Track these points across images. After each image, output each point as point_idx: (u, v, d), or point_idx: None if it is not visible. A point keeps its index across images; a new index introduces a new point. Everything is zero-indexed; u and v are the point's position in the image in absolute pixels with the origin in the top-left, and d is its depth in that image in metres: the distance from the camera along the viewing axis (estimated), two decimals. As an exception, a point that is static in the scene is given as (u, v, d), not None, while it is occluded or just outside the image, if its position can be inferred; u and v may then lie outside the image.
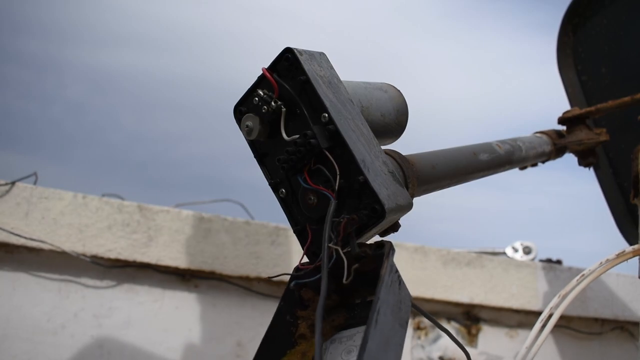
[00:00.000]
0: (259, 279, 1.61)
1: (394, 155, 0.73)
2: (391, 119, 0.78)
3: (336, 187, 0.62)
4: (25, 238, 1.54)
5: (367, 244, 0.61)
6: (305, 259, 0.66)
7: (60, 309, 1.57)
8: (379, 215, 0.60)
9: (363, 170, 0.61)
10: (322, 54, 0.74)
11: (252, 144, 0.72)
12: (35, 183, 1.63)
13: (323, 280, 0.52)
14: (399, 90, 0.85)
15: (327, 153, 0.63)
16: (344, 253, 0.57)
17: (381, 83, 0.87)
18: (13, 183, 1.57)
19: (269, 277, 0.88)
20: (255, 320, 1.63)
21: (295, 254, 1.60)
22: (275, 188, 0.69)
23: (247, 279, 1.62)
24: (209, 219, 1.61)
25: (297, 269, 0.64)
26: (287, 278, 0.65)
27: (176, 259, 1.58)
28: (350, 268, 0.57)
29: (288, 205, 0.68)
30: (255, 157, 0.73)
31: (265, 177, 0.72)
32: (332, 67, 0.74)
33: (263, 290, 1.65)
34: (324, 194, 0.62)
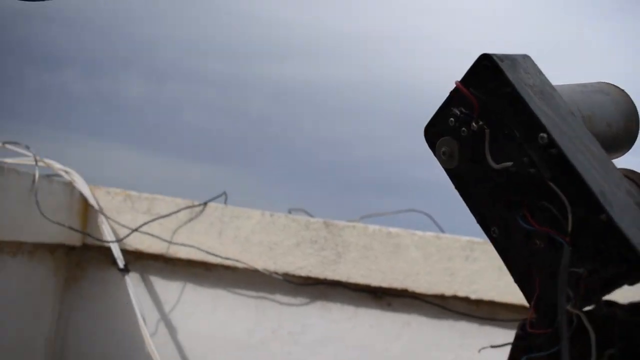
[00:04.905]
0: (455, 297, 1.50)
1: (635, 178, 0.59)
2: (619, 128, 0.64)
3: (569, 229, 0.50)
4: (221, 257, 1.58)
5: (616, 302, 0.48)
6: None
7: (259, 326, 1.60)
8: (635, 267, 0.47)
9: (604, 207, 0.49)
10: (526, 57, 0.62)
11: (451, 173, 0.62)
12: (225, 202, 1.68)
13: (564, 356, 0.42)
14: (622, 90, 0.71)
15: (552, 185, 0.51)
16: (586, 313, 0.46)
17: (598, 83, 0.73)
18: (205, 204, 1.63)
19: (492, 346, 0.71)
20: (454, 341, 1.53)
21: (493, 270, 1.47)
22: (485, 227, 0.59)
23: (442, 297, 1.52)
24: (397, 233, 1.54)
25: (522, 326, 0.53)
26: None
27: (366, 276, 1.53)
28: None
29: (503, 248, 0.57)
30: (456, 188, 0.63)
31: (472, 213, 0.61)
32: (540, 72, 0.62)
33: (461, 309, 1.54)
34: (552, 238, 0.51)
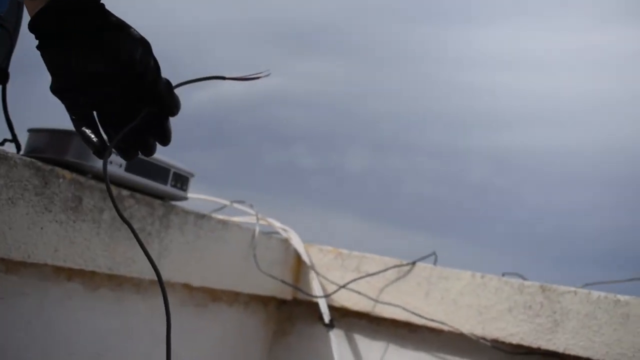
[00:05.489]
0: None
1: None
2: None
3: None
4: (426, 319, 1.51)
5: None
6: None
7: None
8: None
9: None
10: None
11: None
12: (435, 263, 1.62)
13: None
14: None
15: None
16: None
17: None
18: (414, 263, 1.59)
19: None
20: None
21: None
22: None
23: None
24: (627, 302, 1.34)
25: None
26: None
27: (588, 348, 1.34)
28: None
29: None
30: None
31: None
32: None
33: None
34: None
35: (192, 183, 1.35)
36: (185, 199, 1.32)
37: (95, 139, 0.80)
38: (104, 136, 0.82)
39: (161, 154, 1.30)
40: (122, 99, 0.78)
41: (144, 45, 0.76)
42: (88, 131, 0.80)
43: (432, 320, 1.50)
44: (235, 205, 1.77)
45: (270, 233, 1.68)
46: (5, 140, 1.22)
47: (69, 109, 0.81)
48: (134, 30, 0.76)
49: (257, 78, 0.80)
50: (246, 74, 0.81)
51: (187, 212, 1.31)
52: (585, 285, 1.56)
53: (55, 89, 0.78)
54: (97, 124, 0.82)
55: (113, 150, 0.81)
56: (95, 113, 0.82)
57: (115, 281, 1.24)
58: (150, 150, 0.84)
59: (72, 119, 0.81)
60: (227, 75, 0.81)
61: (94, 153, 0.80)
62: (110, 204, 1.13)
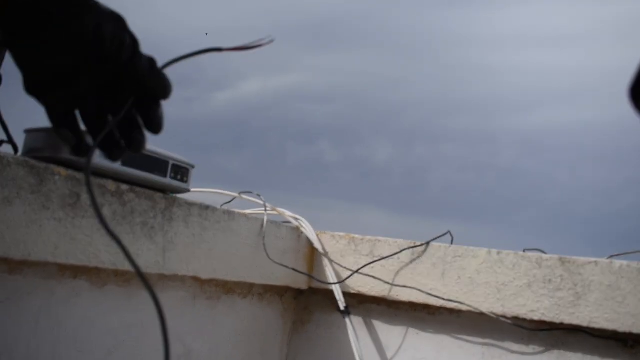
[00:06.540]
0: None
1: None
2: None
3: None
4: (444, 299, 1.47)
5: None
6: None
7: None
8: None
9: None
10: None
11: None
12: (452, 243, 1.58)
13: None
14: None
15: None
16: None
17: None
18: (428, 243, 1.55)
19: None
20: None
21: None
22: None
23: None
24: (651, 269, 1.29)
25: None
26: None
27: (613, 321, 1.29)
28: None
29: None
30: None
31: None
32: None
33: None
34: None
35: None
36: (188, 190, 1.29)
37: (74, 140, 0.76)
38: (87, 135, 0.77)
39: (163, 148, 1.28)
40: (101, 87, 0.70)
41: (115, 19, 0.67)
42: (67, 131, 0.74)
43: (450, 300, 1.46)
44: (243, 196, 1.74)
45: (279, 222, 1.65)
46: (2, 142, 1.21)
47: (46, 108, 0.75)
48: (103, 5, 0.67)
49: (259, 46, 0.72)
50: (245, 43, 0.75)
51: (190, 204, 1.28)
52: (611, 257, 1.51)
53: (29, 88, 0.71)
54: (76, 122, 0.75)
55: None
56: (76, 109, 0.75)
57: (122, 277, 1.22)
58: (139, 147, 0.76)
59: (50, 120, 0.76)
60: (224, 47, 0.74)
61: (74, 154, 0.76)
62: (109, 199, 1.12)
